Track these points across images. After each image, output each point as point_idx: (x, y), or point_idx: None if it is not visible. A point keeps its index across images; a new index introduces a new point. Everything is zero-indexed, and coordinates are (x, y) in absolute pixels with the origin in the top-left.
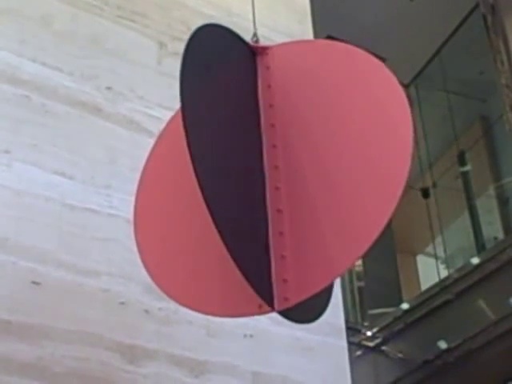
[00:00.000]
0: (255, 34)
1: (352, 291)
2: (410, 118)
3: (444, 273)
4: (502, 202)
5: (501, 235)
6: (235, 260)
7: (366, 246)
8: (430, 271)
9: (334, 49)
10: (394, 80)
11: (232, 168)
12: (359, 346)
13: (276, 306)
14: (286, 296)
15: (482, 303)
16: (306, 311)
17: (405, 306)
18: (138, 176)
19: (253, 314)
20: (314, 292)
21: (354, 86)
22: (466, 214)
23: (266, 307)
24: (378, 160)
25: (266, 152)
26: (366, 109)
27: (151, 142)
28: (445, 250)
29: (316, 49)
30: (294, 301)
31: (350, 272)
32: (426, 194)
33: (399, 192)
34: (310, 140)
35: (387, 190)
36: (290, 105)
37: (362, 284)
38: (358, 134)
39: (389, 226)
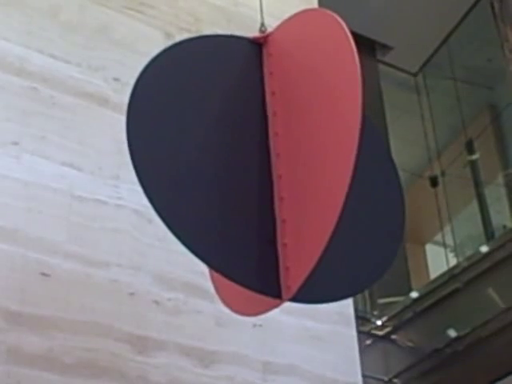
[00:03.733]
0: (263, 24)
1: None
2: (358, 82)
3: (453, 261)
4: (511, 190)
5: (510, 223)
6: (229, 277)
7: (333, 220)
8: (438, 260)
9: (313, 18)
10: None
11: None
12: (369, 334)
13: (284, 296)
14: (288, 284)
15: (491, 291)
16: (315, 291)
17: (414, 294)
18: None
19: (272, 308)
20: (305, 276)
21: (326, 57)
22: (475, 203)
23: (278, 299)
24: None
25: (271, 141)
26: (330, 82)
27: None
28: (454, 239)
29: (304, 21)
30: (294, 288)
31: None
32: (434, 182)
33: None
34: (307, 124)
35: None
36: (288, 89)
37: None
38: (328, 109)
39: None
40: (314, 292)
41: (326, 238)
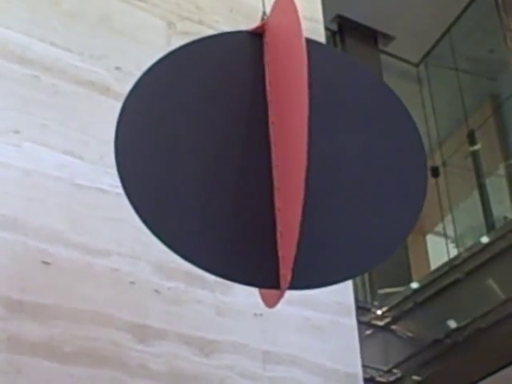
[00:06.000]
0: (265, 13)
1: None
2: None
3: (454, 252)
4: None
5: (510, 214)
6: (227, 279)
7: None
8: (439, 250)
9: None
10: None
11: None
12: (369, 325)
13: (282, 285)
14: (283, 272)
15: (491, 282)
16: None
17: (414, 285)
18: None
19: (279, 298)
20: (292, 260)
21: (289, 38)
22: (476, 193)
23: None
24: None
25: (270, 131)
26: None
27: None
28: (454, 229)
29: (280, 5)
30: (288, 276)
31: None
32: (435, 172)
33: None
34: (289, 109)
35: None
36: (279, 76)
37: None
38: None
39: None
40: (311, 277)
41: (298, 220)
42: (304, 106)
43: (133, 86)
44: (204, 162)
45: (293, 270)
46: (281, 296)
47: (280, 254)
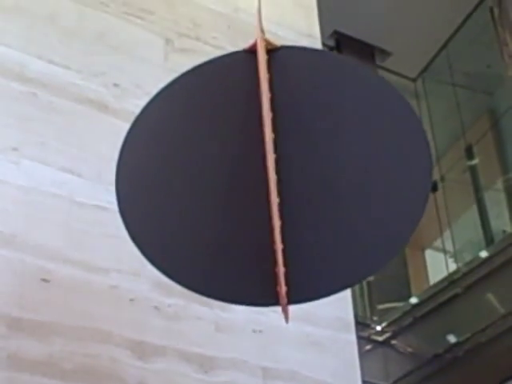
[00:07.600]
0: (262, 30)
1: (361, 286)
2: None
3: (453, 267)
4: (510, 195)
5: (509, 228)
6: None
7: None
8: (438, 265)
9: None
10: None
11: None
12: (368, 340)
13: (281, 301)
14: (278, 288)
15: (490, 296)
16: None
17: (414, 300)
18: None
19: (285, 312)
20: (282, 275)
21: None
22: (474, 208)
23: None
24: None
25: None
26: None
27: None
28: (453, 244)
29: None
30: (283, 291)
31: None
32: (434, 187)
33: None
34: (265, 124)
35: None
36: (270, 90)
37: (370, 279)
38: None
39: None
40: (308, 290)
41: (279, 232)
42: (267, 118)
43: (135, 118)
44: (201, 185)
45: (287, 285)
46: (284, 311)
47: (276, 270)
